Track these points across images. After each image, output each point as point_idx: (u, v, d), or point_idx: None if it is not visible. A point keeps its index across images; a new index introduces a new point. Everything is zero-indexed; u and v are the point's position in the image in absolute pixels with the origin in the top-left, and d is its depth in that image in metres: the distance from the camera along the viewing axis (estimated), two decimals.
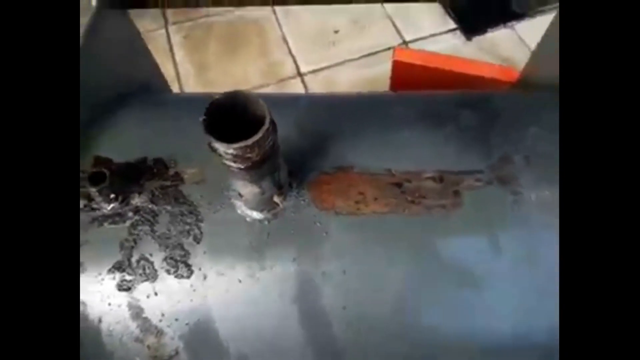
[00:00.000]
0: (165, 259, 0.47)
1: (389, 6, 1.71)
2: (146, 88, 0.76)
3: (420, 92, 0.69)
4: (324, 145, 0.53)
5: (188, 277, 0.47)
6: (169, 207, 0.50)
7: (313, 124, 0.56)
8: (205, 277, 0.47)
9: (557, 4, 0.85)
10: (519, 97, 0.68)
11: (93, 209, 0.49)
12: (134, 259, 0.47)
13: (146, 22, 1.68)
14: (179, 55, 1.65)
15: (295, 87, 1.55)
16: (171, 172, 0.52)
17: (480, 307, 0.47)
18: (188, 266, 0.47)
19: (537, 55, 0.77)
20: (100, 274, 0.47)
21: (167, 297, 0.47)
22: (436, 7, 1.71)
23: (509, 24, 1.64)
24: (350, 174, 0.51)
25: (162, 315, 0.46)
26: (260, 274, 0.47)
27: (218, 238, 0.48)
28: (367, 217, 0.48)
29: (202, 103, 0.38)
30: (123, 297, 0.47)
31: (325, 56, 1.61)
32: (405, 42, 1.64)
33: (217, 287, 0.47)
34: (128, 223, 0.49)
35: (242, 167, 0.40)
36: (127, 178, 0.51)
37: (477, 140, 0.54)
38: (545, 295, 0.46)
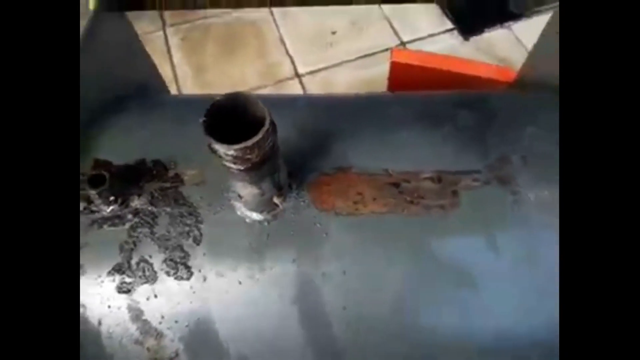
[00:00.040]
0: (165, 261, 0.47)
1: (386, 7, 1.72)
2: (145, 90, 0.76)
3: (417, 93, 0.69)
4: (323, 146, 0.53)
5: (188, 278, 0.47)
6: (168, 209, 0.50)
7: (312, 125, 0.56)
8: (205, 279, 0.47)
9: (554, 5, 0.85)
10: (516, 97, 0.68)
11: (92, 212, 0.49)
12: (133, 261, 0.47)
13: (144, 24, 1.67)
14: (177, 57, 1.65)
15: (293, 88, 1.55)
16: (170, 173, 0.52)
17: (478, 307, 0.47)
18: (188, 268, 0.47)
19: (534, 55, 0.77)
20: (100, 276, 0.47)
21: (166, 299, 0.47)
22: (433, 8, 1.71)
23: (506, 24, 1.64)
24: (349, 174, 0.51)
25: (162, 317, 0.47)
26: (260, 275, 0.47)
27: (218, 239, 0.48)
28: (366, 217, 0.48)
29: (201, 104, 0.38)
30: (123, 300, 0.47)
31: (323, 57, 1.62)
32: (402, 43, 1.64)
33: (217, 289, 0.47)
34: (127, 225, 0.49)
35: (242, 168, 0.40)
36: (126, 180, 0.51)
37: (475, 140, 0.54)
38: (544, 294, 0.46)
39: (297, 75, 1.59)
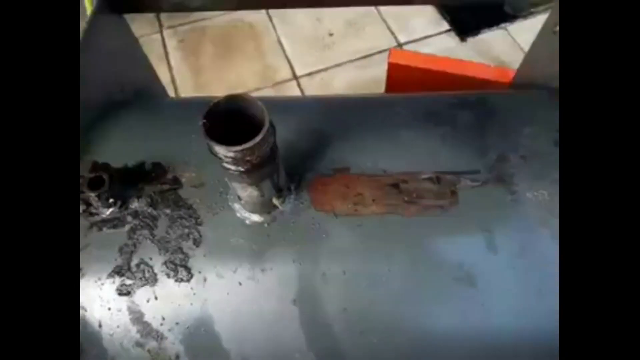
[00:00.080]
0: (165, 263, 0.47)
1: (383, 8, 1.72)
2: (143, 93, 0.76)
3: (416, 94, 0.70)
4: (322, 147, 0.54)
5: (188, 280, 0.47)
6: (168, 211, 0.50)
7: (311, 126, 0.57)
8: (205, 280, 0.47)
9: (549, 6, 0.86)
10: (513, 97, 0.69)
11: (92, 214, 0.49)
12: (133, 263, 0.47)
13: (141, 27, 1.67)
14: (175, 59, 1.65)
15: (291, 90, 1.55)
16: (170, 176, 0.52)
17: (478, 305, 0.47)
18: (188, 269, 0.47)
19: (531, 55, 0.77)
20: (100, 278, 0.47)
21: (167, 301, 0.47)
22: (430, 9, 1.72)
23: (502, 25, 1.65)
24: (348, 175, 0.51)
25: (163, 319, 0.47)
26: (260, 276, 0.47)
27: (218, 241, 0.48)
28: (365, 218, 0.49)
29: (200, 107, 0.38)
30: (123, 302, 0.47)
31: (321, 59, 1.62)
32: (399, 44, 1.65)
33: (217, 290, 0.47)
34: (127, 227, 0.49)
35: (242, 170, 0.40)
36: (125, 182, 0.51)
37: (473, 140, 0.55)
38: (543, 293, 0.46)
39: (295, 77, 1.59)
